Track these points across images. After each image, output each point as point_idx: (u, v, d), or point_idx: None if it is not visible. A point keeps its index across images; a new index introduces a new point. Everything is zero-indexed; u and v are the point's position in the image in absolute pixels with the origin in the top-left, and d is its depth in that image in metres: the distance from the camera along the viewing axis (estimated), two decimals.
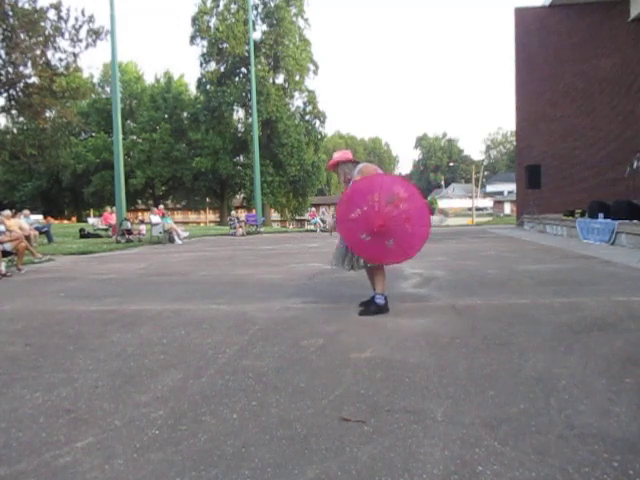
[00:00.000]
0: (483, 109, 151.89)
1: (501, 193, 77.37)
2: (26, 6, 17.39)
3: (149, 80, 47.11)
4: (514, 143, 22.40)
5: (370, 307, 4.19)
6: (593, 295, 4.63)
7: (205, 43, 39.47)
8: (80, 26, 18.06)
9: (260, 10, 39.63)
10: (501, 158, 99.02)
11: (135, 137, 42.26)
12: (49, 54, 18.44)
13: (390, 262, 4.27)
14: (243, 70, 39.53)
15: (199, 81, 40.55)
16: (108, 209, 19.90)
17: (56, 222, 28.23)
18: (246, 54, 36.22)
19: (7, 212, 10.79)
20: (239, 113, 41.61)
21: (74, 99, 21.92)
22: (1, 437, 2.07)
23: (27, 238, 9.95)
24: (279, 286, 5.82)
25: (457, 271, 6.55)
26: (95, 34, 18.29)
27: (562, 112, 16.87)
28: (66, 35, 18.09)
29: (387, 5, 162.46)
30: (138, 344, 3.44)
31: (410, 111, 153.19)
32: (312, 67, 41.10)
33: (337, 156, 4.32)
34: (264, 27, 39.73)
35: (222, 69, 39.76)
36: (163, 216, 16.36)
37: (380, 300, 4.16)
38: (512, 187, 40.58)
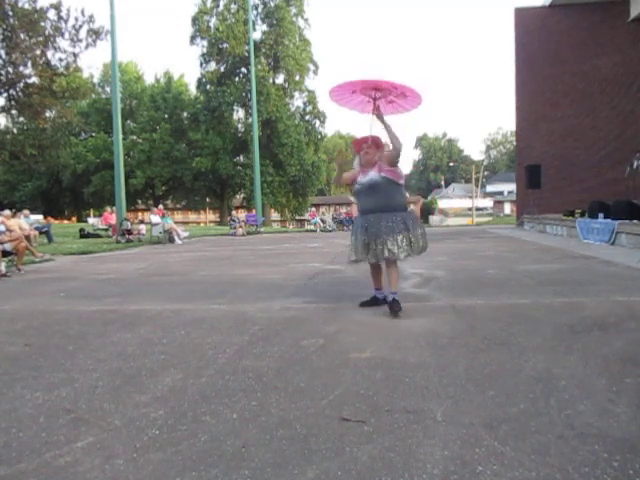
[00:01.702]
0: (483, 109, 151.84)
1: (501, 193, 77.34)
2: (26, 6, 17.40)
3: (149, 80, 47.13)
4: (514, 143, 22.40)
5: (395, 307, 4.01)
6: (593, 295, 4.63)
7: (205, 43, 39.49)
8: (80, 26, 18.07)
9: (260, 10, 39.62)
10: (501, 158, 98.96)
11: (135, 137, 42.25)
12: (49, 54, 18.46)
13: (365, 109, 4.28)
14: (243, 70, 39.53)
15: (199, 81, 40.56)
16: (108, 209, 19.90)
17: (56, 222, 28.18)
18: (246, 54, 36.20)
19: (7, 212, 10.77)
20: (239, 113, 41.68)
21: (74, 99, 21.93)
22: (1, 437, 2.07)
23: (27, 238, 9.95)
24: (279, 286, 5.82)
25: (457, 271, 6.55)
26: (95, 34, 18.29)
27: (562, 112, 16.87)
28: (66, 35, 18.10)
29: (387, 5, 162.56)
30: (138, 344, 3.44)
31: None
32: (312, 67, 41.10)
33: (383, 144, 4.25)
34: (264, 27, 39.77)
35: (222, 69, 39.76)
36: (163, 216, 16.37)
37: (397, 297, 4.10)
38: (512, 187, 40.57)
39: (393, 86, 4.09)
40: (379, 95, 4.16)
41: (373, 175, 4.07)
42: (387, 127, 4.05)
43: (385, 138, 4.17)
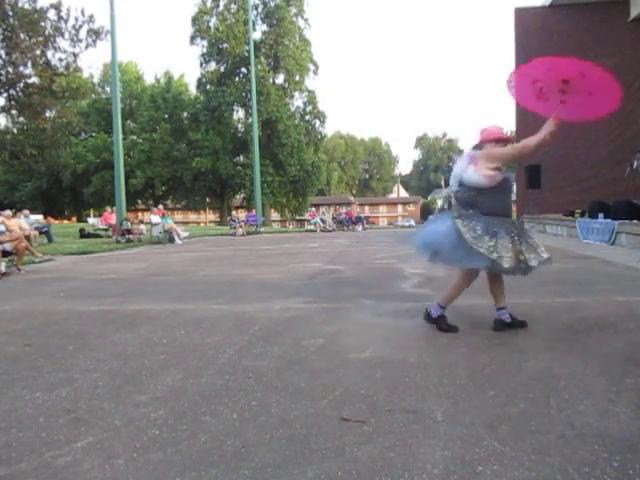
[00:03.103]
0: (483, 109, 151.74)
1: None
2: (26, 6, 17.38)
3: (149, 80, 47.10)
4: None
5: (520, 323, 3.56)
6: (593, 295, 4.63)
7: (205, 43, 39.49)
8: (80, 26, 18.05)
9: (260, 10, 39.63)
10: None
11: (135, 137, 42.23)
12: (49, 54, 18.43)
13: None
14: (243, 70, 39.52)
15: (199, 81, 40.57)
16: (108, 209, 19.90)
17: (56, 222, 28.17)
18: (246, 54, 36.18)
19: (7, 212, 10.77)
20: (239, 113, 41.67)
21: (74, 99, 21.91)
22: (1, 437, 2.07)
23: (27, 238, 9.95)
24: (279, 286, 5.82)
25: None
26: (95, 34, 18.27)
27: None
28: (66, 35, 18.07)
29: (387, 5, 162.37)
30: (138, 344, 3.44)
31: (410, 111, 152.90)
32: (312, 67, 41.11)
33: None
34: (264, 27, 39.78)
35: (222, 69, 39.76)
36: (163, 216, 16.36)
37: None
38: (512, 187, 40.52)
39: (582, 73, 3.44)
40: (565, 90, 3.51)
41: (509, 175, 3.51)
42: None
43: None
